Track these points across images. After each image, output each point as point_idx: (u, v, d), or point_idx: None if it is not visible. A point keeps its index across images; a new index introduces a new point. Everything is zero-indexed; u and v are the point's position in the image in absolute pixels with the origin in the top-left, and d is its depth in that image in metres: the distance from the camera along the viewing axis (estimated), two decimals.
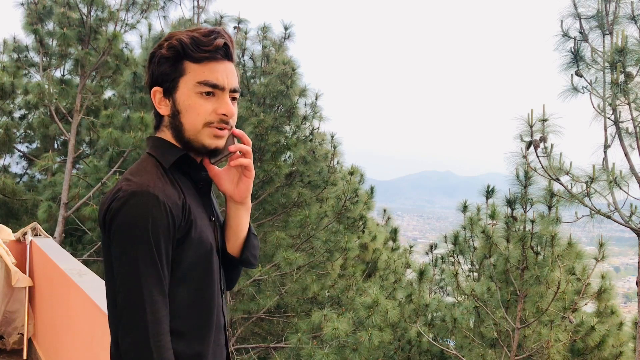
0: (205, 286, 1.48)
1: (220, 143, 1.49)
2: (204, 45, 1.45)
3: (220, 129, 1.47)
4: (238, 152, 1.54)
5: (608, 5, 6.25)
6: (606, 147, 6.21)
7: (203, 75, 1.45)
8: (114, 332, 1.41)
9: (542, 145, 6.22)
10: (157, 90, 1.49)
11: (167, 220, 1.35)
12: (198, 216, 1.46)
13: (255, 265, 1.73)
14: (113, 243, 1.36)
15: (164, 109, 1.49)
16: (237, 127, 1.57)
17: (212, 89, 1.45)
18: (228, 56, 1.49)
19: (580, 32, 6.39)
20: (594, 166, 6.04)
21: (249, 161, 1.55)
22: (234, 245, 1.65)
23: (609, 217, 6.16)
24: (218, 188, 1.60)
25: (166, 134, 1.51)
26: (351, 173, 9.22)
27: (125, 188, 1.36)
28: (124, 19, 10.62)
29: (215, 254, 1.53)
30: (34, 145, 13.63)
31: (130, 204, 1.33)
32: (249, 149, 1.55)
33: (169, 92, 1.48)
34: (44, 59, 11.23)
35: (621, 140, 6.13)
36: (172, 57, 1.46)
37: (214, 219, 1.58)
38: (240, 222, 1.64)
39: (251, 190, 1.61)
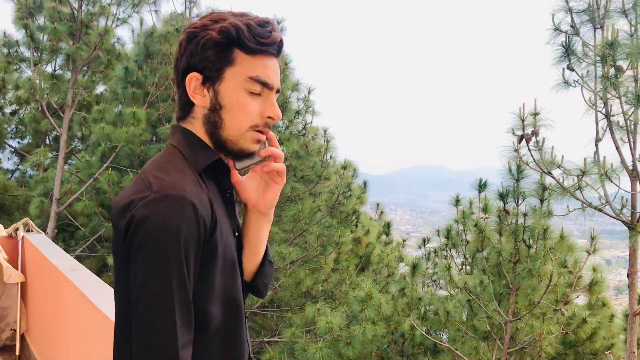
0: (229, 309, 1.30)
1: (257, 148, 1.33)
2: (261, 36, 1.27)
3: (262, 133, 1.32)
4: (267, 158, 1.37)
5: None
6: (597, 140, 6.24)
7: (256, 70, 1.27)
8: (123, 345, 1.22)
9: (533, 139, 6.24)
10: (194, 77, 1.28)
11: (200, 234, 1.17)
12: (224, 229, 1.28)
13: (264, 296, 1.53)
14: (138, 255, 1.14)
15: (200, 100, 1.29)
16: None
17: (262, 88, 1.29)
18: (279, 53, 1.33)
19: (571, 26, 6.40)
20: (585, 159, 6.07)
21: (283, 166, 1.39)
22: (248, 263, 1.46)
23: (600, 210, 6.19)
24: (239, 197, 1.43)
25: (196, 128, 1.32)
26: (344, 167, 9.22)
27: (157, 189, 1.15)
28: (116, 14, 10.56)
29: (239, 273, 1.34)
30: (25, 141, 13.55)
31: (164, 211, 1.13)
32: (281, 152, 1.38)
33: (212, 81, 1.28)
34: (35, 54, 11.16)
35: (612, 133, 6.16)
36: (222, 43, 1.27)
37: (237, 234, 1.39)
38: (261, 235, 1.46)
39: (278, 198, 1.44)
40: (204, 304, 1.22)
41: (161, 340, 1.12)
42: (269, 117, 1.30)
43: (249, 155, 1.32)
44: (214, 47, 1.26)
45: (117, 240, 1.21)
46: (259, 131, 1.30)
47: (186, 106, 1.33)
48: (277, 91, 1.32)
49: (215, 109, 1.28)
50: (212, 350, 1.26)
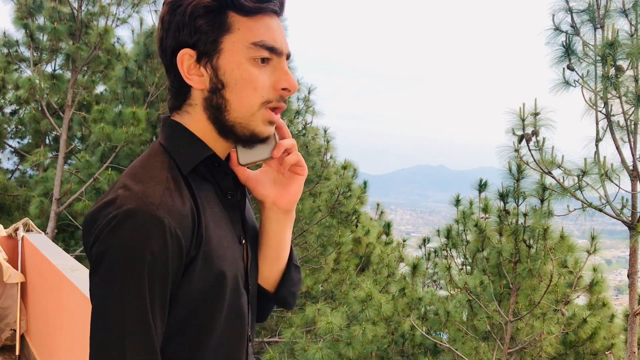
0: (217, 336, 1.08)
1: (272, 130, 1.11)
2: None
3: (275, 111, 1.10)
4: (282, 153, 1.15)
5: None
6: (598, 140, 6.23)
7: (259, 34, 1.04)
8: None
9: (534, 139, 6.23)
10: (187, 54, 1.05)
11: (169, 254, 0.97)
12: (218, 242, 1.07)
13: (293, 306, 1.30)
14: (95, 277, 0.97)
15: (197, 81, 1.06)
16: None
17: (270, 54, 1.06)
18: (281, 11, 1.10)
19: (571, 26, 6.39)
20: (585, 159, 6.06)
21: (298, 156, 1.16)
22: (270, 271, 1.24)
23: (600, 210, 6.18)
24: (253, 194, 1.20)
25: (194, 117, 1.09)
26: (344, 167, 9.22)
27: (121, 203, 0.96)
28: (115, 13, 10.55)
29: (243, 290, 1.13)
30: (25, 141, 13.55)
31: (124, 230, 0.94)
32: (292, 141, 1.15)
33: (208, 56, 1.05)
34: (35, 54, 11.15)
35: (612, 133, 6.15)
36: (214, 7, 1.04)
37: (244, 241, 1.16)
38: (283, 237, 1.22)
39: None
40: (180, 333, 1.04)
41: None
42: (283, 89, 1.08)
43: (263, 140, 1.10)
44: (205, 14, 1.04)
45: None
46: (273, 108, 1.09)
47: (180, 92, 1.10)
48: (288, 57, 1.10)
49: (217, 89, 1.06)
50: None
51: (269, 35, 1.06)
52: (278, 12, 1.09)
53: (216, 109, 1.07)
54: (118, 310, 0.94)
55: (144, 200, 0.96)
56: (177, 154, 1.07)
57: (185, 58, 1.06)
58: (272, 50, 1.06)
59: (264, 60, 1.06)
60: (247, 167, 1.18)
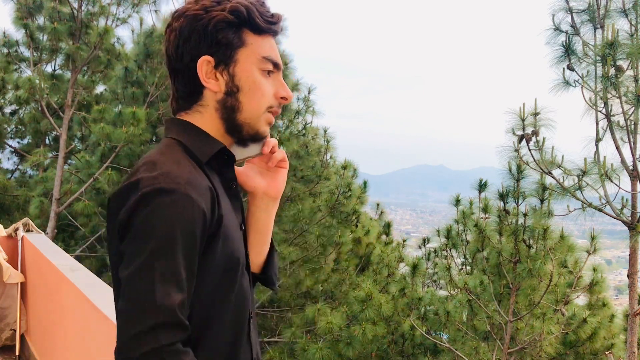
0: (234, 311, 1.22)
1: (268, 131, 1.32)
2: (266, 15, 1.25)
3: (274, 115, 1.31)
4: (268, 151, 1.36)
5: None
6: (597, 140, 6.23)
7: (266, 50, 1.26)
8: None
9: (533, 138, 6.23)
10: (206, 60, 1.22)
11: (199, 225, 1.10)
12: (231, 224, 1.22)
13: (276, 286, 1.49)
14: (131, 244, 1.08)
15: (214, 84, 1.23)
16: None
17: (273, 68, 1.27)
18: (279, 33, 1.33)
19: (571, 26, 6.39)
20: (585, 159, 6.06)
21: (282, 152, 1.38)
22: (257, 255, 1.41)
23: (600, 210, 6.18)
24: (244, 187, 1.37)
25: (205, 116, 1.26)
26: (344, 167, 9.22)
27: (149, 182, 1.09)
28: (115, 13, 10.55)
29: (246, 271, 1.27)
30: (25, 141, 13.55)
31: (158, 204, 1.07)
32: (275, 140, 1.37)
33: (225, 63, 1.23)
34: (35, 54, 11.15)
35: (612, 133, 6.15)
36: (234, 24, 1.22)
37: (243, 227, 1.33)
38: (269, 223, 1.41)
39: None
40: (203, 306, 1.16)
41: (148, 295, 1.04)
42: (282, 98, 1.29)
43: (262, 139, 1.31)
44: (226, 29, 1.22)
45: (111, 241, 1.17)
46: (273, 112, 1.29)
47: (193, 94, 1.25)
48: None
49: (232, 92, 1.24)
50: (215, 352, 1.19)
51: (274, 53, 1.27)
52: (278, 34, 1.31)
53: (230, 109, 1.25)
54: (152, 268, 1.05)
55: (173, 179, 1.09)
56: (193, 146, 1.22)
57: (205, 64, 1.22)
58: (275, 65, 1.27)
59: (269, 72, 1.27)
60: (237, 164, 1.34)
